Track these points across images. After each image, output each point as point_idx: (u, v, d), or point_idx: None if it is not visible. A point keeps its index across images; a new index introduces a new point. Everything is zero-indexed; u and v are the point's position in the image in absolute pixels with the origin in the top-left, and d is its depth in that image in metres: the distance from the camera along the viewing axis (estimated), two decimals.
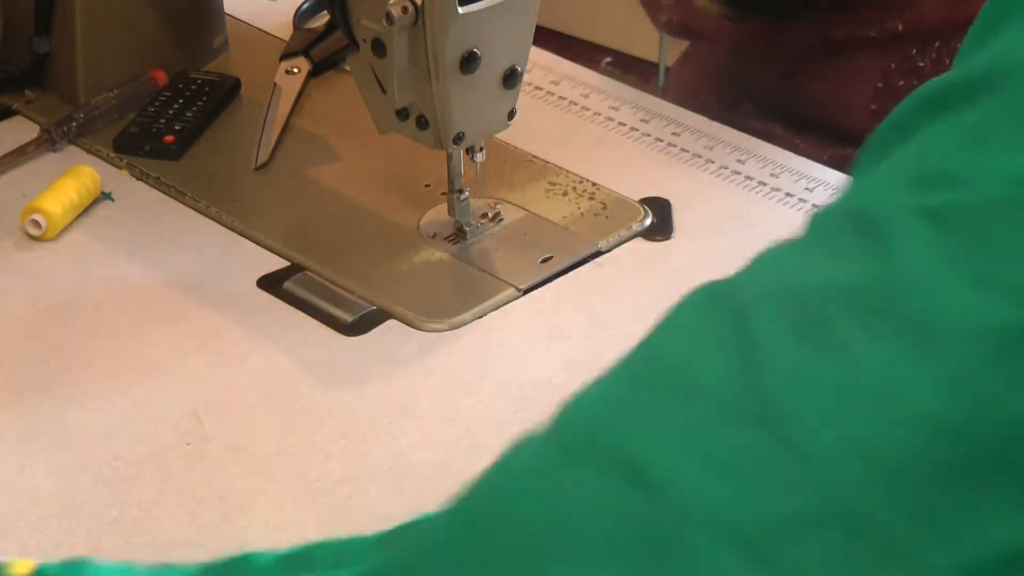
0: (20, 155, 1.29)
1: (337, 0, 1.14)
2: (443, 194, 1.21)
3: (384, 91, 1.13)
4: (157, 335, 1.10)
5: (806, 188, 1.26)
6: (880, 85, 1.41)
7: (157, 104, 1.35)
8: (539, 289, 1.15)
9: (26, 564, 0.78)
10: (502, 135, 1.23)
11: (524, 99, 1.22)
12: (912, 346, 0.61)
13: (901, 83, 1.40)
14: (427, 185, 1.24)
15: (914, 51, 1.41)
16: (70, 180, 1.22)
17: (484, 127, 1.16)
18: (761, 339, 0.64)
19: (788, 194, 1.26)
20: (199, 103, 1.35)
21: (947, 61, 1.37)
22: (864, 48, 1.42)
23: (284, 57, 1.41)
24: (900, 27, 1.40)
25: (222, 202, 1.24)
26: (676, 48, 1.73)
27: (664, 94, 1.53)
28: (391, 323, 1.11)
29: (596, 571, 0.63)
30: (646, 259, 1.19)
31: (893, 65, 1.42)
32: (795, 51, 1.45)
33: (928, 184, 0.65)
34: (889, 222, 0.64)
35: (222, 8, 1.47)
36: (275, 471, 0.98)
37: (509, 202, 1.24)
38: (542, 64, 1.46)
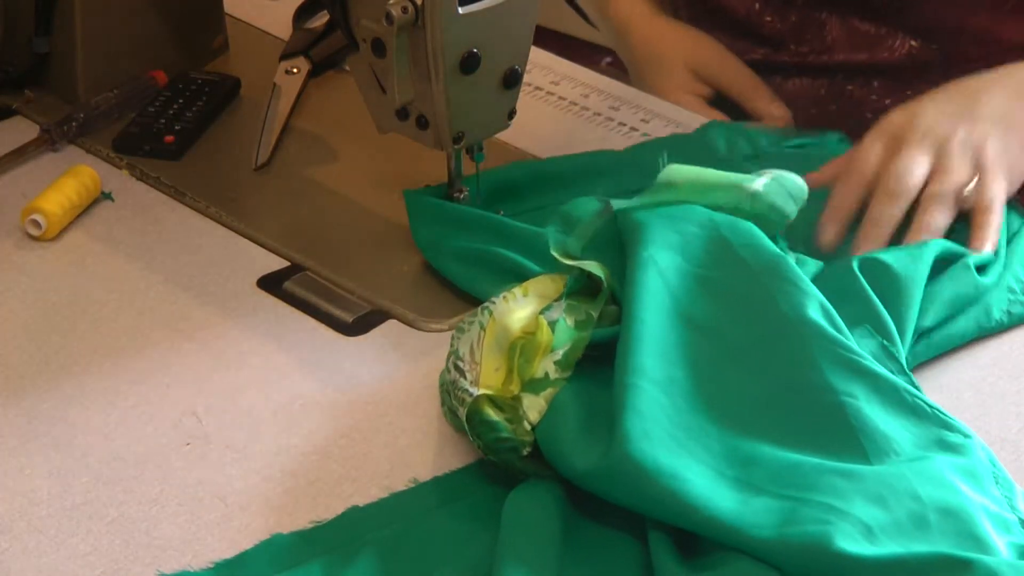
0: (20, 155, 1.29)
1: (337, 0, 1.14)
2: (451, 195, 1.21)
3: (384, 91, 1.13)
4: (157, 335, 1.10)
5: None
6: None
7: (157, 104, 1.35)
8: None
9: None
10: (502, 135, 1.23)
11: (524, 99, 1.22)
12: None
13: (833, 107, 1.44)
14: (428, 185, 1.23)
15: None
16: (70, 180, 1.22)
17: (484, 127, 1.16)
18: None
19: None
20: (199, 103, 1.35)
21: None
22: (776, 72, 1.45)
23: (284, 57, 1.41)
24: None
25: (222, 202, 1.24)
26: None
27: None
28: (391, 323, 1.11)
29: None
30: None
31: (823, 92, 1.44)
32: None
33: None
34: None
35: (222, 8, 1.47)
36: (275, 471, 0.98)
37: None
38: (542, 64, 1.46)
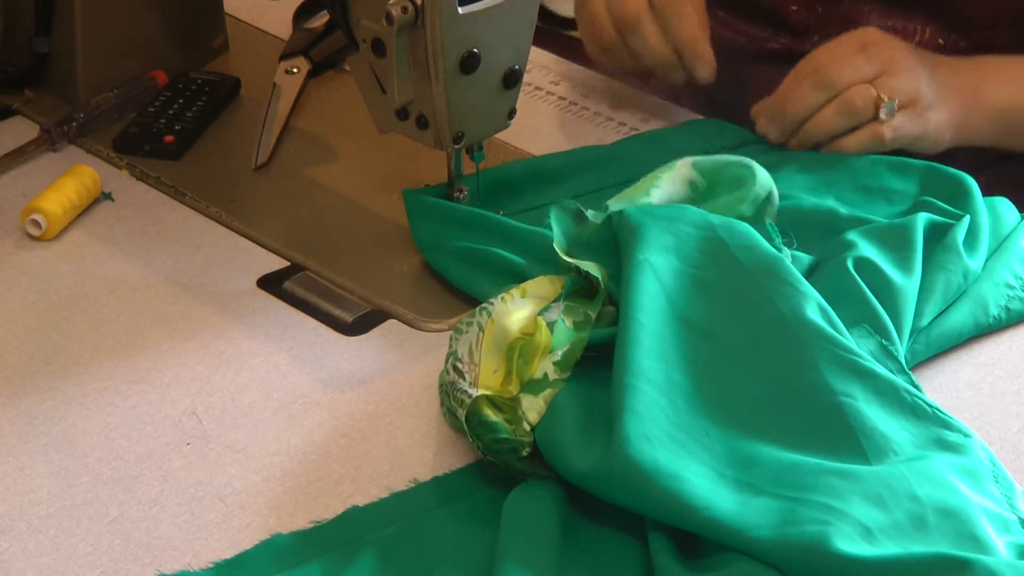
0: (20, 155, 1.29)
1: (337, 0, 1.14)
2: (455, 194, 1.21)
3: (384, 91, 1.13)
4: (157, 335, 1.10)
5: None
6: None
7: (157, 104, 1.35)
8: None
9: None
10: (502, 135, 1.23)
11: (524, 99, 1.22)
12: None
13: None
14: (427, 185, 1.23)
15: None
16: (70, 180, 1.22)
17: (484, 127, 1.16)
18: None
19: None
20: (199, 103, 1.35)
21: None
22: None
23: (284, 57, 1.41)
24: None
25: (222, 202, 1.24)
26: None
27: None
28: (391, 323, 1.11)
29: None
30: None
31: None
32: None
33: None
34: None
35: (222, 8, 1.47)
36: (275, 471, 0.98)
37: None
38: (542, 64, 1.46)
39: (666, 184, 1.11)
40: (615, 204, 1.09)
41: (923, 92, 1.23)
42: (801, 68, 1.25)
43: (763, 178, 1.11)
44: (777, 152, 1.26)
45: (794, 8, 1.43)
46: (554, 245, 1.05)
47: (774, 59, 1.43)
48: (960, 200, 1.15)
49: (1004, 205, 1.17)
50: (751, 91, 1.34)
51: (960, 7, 1.35)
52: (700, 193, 1.11)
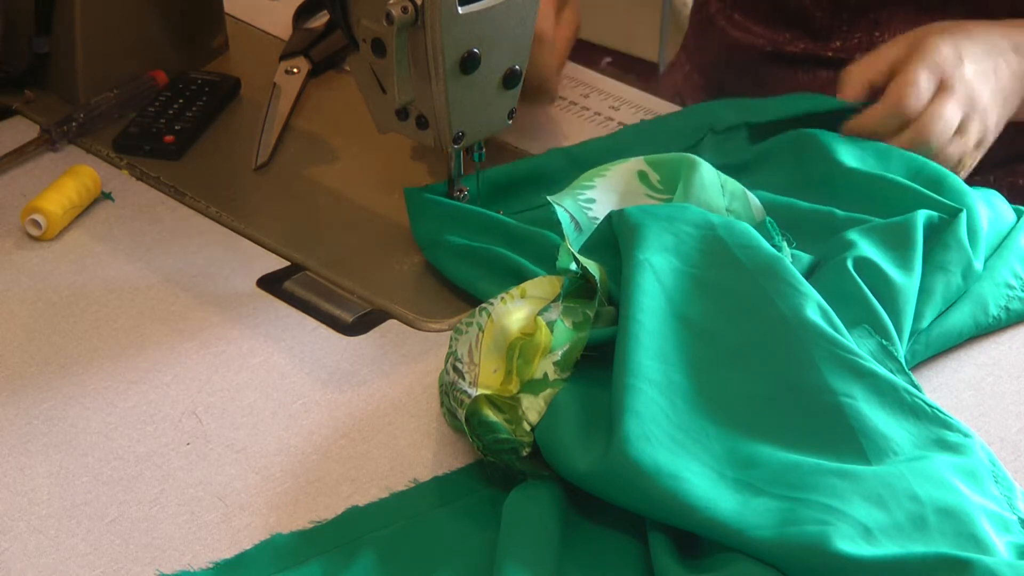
0: (20, 155, 1.29)
1: (337, 0, 1.14)
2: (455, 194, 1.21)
3: (384, 91, 1.14)
4: (157, 335, 1.10)
5: None
6: None
7: (157, 104, 1.35)
8: None
9: None
10: (502, 135, 1.23)
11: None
12: None
13: None
14: (427, 185, 1.24)
15: None
16: (70, 180, 1.22)
17: (484, 127, 1.16)
18: None
19: None
20: (199, 103, 1.35)
21: None
22: (821, 65, 1.43)
23: (284, 57, 1.41)
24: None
25: (222, 202, 1.24)
26: (675, 50, 1.74)
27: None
28: (391, 323, 1.11)
29: None
30: None
31: None
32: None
33: None
34: None
35: (222, 8, 1.47)
36: (275, 471, 0.98)
37: None
38: None
39: (613, 174, 1.12)
40: (558, 196, 1.10)
41: (991, 120, 1.24)
42: (898, 113, 1.22)
43: (707, 171, 1.11)
44: (769, 146, 1.26)
45: (819, 14, 1.42)
46: (565, 241, 1.04)
47: (792, 61, 1.43)
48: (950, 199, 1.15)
49: (995, 199, 1.16)
50: (767, 92, 1.34)
51: (991, 11, 1.34)
52: (654, 186, 1.11)
